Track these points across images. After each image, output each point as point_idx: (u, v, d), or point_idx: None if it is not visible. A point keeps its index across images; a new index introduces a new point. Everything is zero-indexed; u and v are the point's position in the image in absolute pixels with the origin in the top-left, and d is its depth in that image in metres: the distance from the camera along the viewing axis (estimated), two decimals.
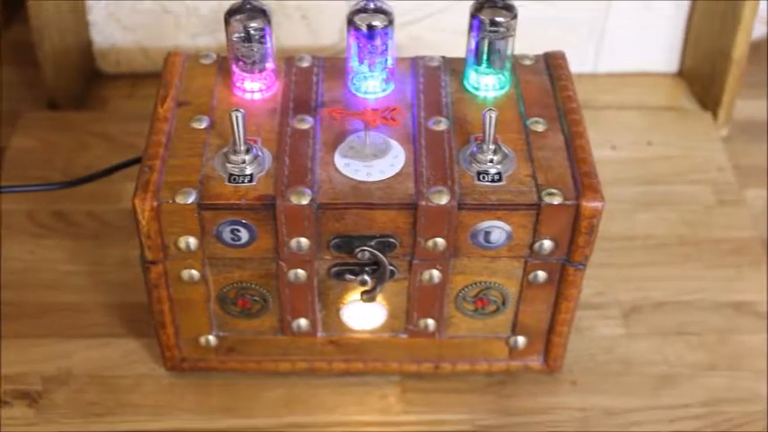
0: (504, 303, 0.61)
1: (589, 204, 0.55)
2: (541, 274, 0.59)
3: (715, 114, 0.87)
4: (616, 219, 0.76)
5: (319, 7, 0.86)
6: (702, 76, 0.89)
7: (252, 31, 0.60)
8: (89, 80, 0.91)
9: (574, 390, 0.66)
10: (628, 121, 0.87)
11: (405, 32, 0.86)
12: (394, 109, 0.58)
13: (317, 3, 0.86)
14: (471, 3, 0.60)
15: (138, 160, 0.68)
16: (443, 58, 0.65)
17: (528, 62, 0.65)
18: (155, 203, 0.55)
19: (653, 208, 0.78)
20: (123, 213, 0.76)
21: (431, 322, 0.62)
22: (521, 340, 0.63)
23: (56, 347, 0.68)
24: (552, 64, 0.64)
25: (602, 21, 0.89)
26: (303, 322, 0.62)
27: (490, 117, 0.55)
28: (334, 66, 0.64)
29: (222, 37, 0.87)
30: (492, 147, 0.56)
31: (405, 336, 0.63)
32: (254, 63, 0.61)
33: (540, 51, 0.66)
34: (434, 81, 0.63)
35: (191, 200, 0.55)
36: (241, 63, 0.61)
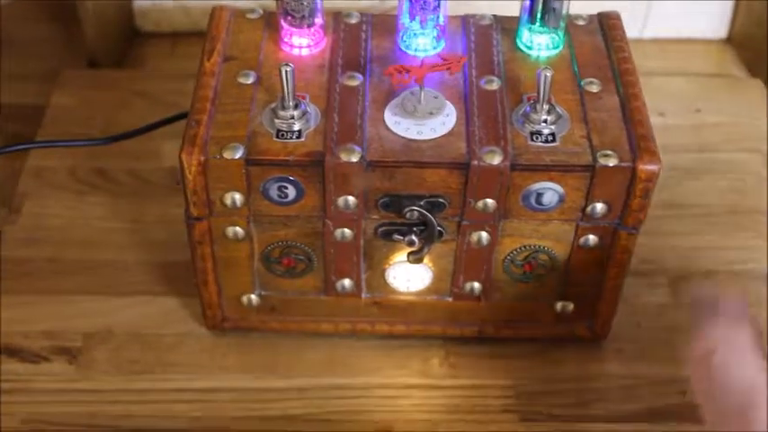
0: (552, 268, 0.60)
1: (645, 167, 0.53)
2: (592, 238, 0.57)
3: (766, 81, 0.85)
4: (665, 186, 0.74)
5: None
6: (753, 43, 0.87)
7: None
8: (129, 39, 0.90)
9: (619, 357, 0.64)
10: (675, 87, 0.85)
11: None
12: (458, 60, 0.57)
13: None
14: None
15: (180, 117, 0.67)
16: (495, 16, 0.63)
17: (581, 22, 0.63)
18: (202, 158, 0.54)
19: (702, 176, 0.77)
20: (164, 171, 0.76)
21: (477, 285, 0.61)
22: (568, 306, 0.62)
23: (96, 304, 0.67)
24: (607, 24, 0.63)
25: None
26: (347, 283, 0.61)
27: (545, 76, 0.54)
28: (382, 22, 0.63)
29: None
30: (546, 107, 0.55)
31: (450, 299, 0.62)
32: (302, 18, 0.60)
33: (590, 9, 0.64)
34: (486, 40, 0.62)
35: (238, 155, 0.54)
36: (289, 18, 0.60)
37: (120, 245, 0.71)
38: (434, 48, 0.60)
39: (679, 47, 0.90)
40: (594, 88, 0.58)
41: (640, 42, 0.90)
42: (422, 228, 0.57)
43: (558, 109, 0.56)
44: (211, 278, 0.60)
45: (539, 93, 0.54)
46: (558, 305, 0.62)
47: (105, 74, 0.86)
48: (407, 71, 0.56)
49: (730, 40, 0.90)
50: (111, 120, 0.81)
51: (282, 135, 0.55)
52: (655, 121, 0.79)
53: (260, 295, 0.62)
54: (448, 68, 0.56)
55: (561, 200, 0.55)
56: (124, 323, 0.66)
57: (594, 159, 0.54)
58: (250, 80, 0.58)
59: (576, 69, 0.59)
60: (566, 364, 0.64)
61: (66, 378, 0.63)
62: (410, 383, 0.63)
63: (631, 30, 0.89)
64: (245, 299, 0.62)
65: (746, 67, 0.88)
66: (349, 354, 0.64)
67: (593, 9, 0.65)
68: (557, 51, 0.61)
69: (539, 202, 0.55)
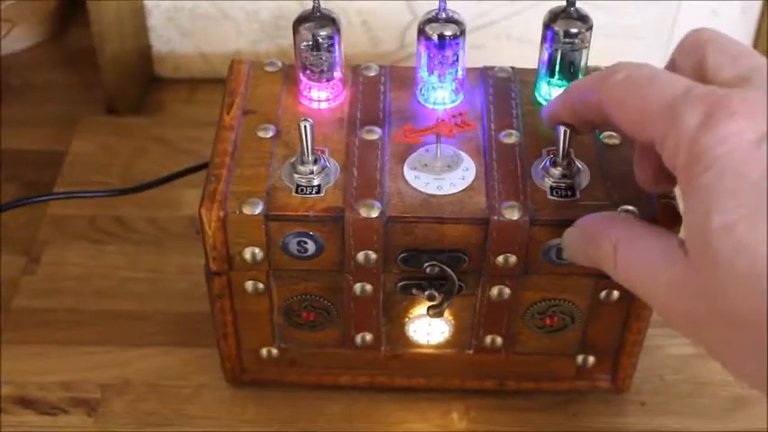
0: (573, 321, 0.59)
1: (667, 222, 0.53)
2: (615, 293, 0.57)
3: None
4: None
5: (380, 13, 0.85)
6: None
7: (321, 40, 0.59)
8: (147, 85, 0.91)
9: (642, 411, 0.64)
10: None
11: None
12: (461, 113, 0.57)
13: (378, 7, 0.85)
14: (543, 11, 0.59)
15: (200, 167, 0.68)
16: (513, 68, 0.63)
17: None
18: (221, 214, 0.54)
19: None
20: (183, 220, 0.76)
21: (498, 339, 0.60)
22: (589, 359, 0.62)
23: (114, 355, 0.67)
24: None
25: (668, 28, 0.87)
26: (367, 336, 0.61)
27: (564, 131, 0.54)
28: (401, 75, 0.63)
29: (283, 43, 0.87)
30: (565, 161, 0.55)
31: (470, 352, 0.62)
32: (321, 72, 0.60)
33: (605, 61, 0.64)
34: (504, 92, 0.62)
35: (258, 210, 0.54)
36: (308, 72, 0.60)
37: (138, 295, 0.71)
38: (453, 101, 0.60)
39: None
40: (614, 141, 0.58)
41: None
42: (442, 282, 0.57)
43: (577, 163, 0.56)
44: (231, 331, 0.60)
45: (558, 148, 0.54)
46: (580, 358, 0.62)
47: (124, 121, 0.87)
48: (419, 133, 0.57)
49: None
50: (130, 167, 0.81)
51: (302, 190, 0.55)
52: None
53: (279, 348, 0.62)
54: (460, 129, 0.57)
55: None
56: (142, 374, 0.66)
57: None
58: (269, 134, 0.58)
59: None
60: (587, 417, 0.64)
61: (84, 431, 0.63)
62: None
63: (654, 58, 0.89)
64: (264, 352, 0.62)
65: None
66: (368, 407, 0.64)
67: (609, 55, 0.64)
68: None
69: (559, 256, 0.55)
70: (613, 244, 0.47)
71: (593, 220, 0.51)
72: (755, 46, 0.88)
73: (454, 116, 0.57)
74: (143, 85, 0.90)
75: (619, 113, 0.47)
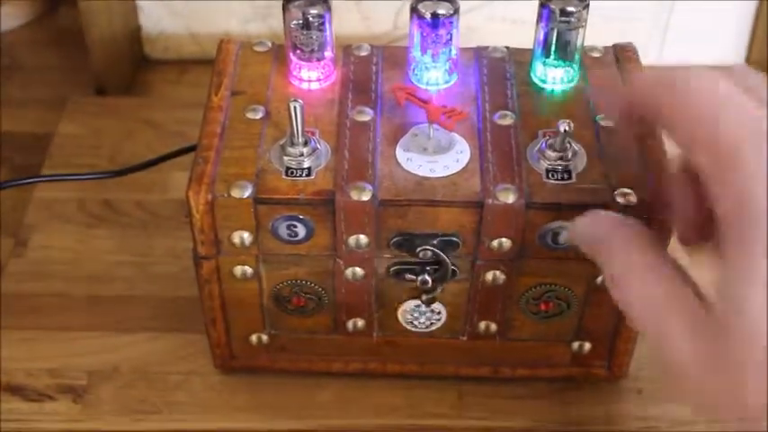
0: (568, 306, 0.58)
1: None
2: None
3: None
4: None
5: None
6: None
7: (311, 18, 0.57)
8: (137, 66, 0.89)
9: (639, 398, 0.63)
10: None
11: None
12: (460, 113, 0.56)
13: None
14: None
15: (190, 149, 0.66)
16: (508, 48, 0.62)
17: (596, 54, 0.62)
18: (209, 197, 0.52)
19: None
20: (172, 203, 0.74)
21: (492, 325, 0.59)
22: (585, 345, 0.61)
23: (102, 341, 0.66)
24: (622, 56, 0.62)
25: (667, 10, 0.86)
26: (359, 322, 0.59)
27: (565, 128, 0.52)
28: (393, 55, 0.62)
29: (274, 24, 0.86)
30: (561, 143, 0.54)
31: (464, 338, 0.61)
32: (312, 51, 0.58)
33: (601, 42, 0.63)
34: (499, 73, 0.60)
35: (246, 194, 0.52)
36: (299, 51, 0.58)
37: (127, 279, 0.70)
38: (446, 82, 0.59)
39: None
40: (610, 123, 0.57)
41: (657, 67, 0.88)
42: (435, 267, 0.55)
43: (574, 145, 0.54)
44: (220, 317, 0.59)
45: (558, 140, 0.53)
46: (575, 345, 0.61)
47: (113, 101, 0.85)
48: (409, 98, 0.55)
49: (749, 63, 0.89)
50: (119, 148, 0.80)
51: (292, 173, 0.53)
52: (670, 152, 0.78)
53: (270, 334, 0.61)
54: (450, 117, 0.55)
55: None
56: (130, 360, 0.65)
57: (613, 198, 0.52)
58: (259, 115, 0.57)
59: (591, 104, 0.58)
60: (583, 404, 0.62)
61: (70, 418, 0.62)
62: (424, 425, 0.62)
63: (648, 56, 0.88)
64: (254, 338, 0.61)
65: None
66: (360, 394, 0.63)
67: (607, 38, 0.63)
68: (572, 85, 0.59)
69: (555, 241, 0.54)
70: (611, 274, 0.44)
71: (603, 224, 0.47)
72: (754, 29, 0.87)
73: (445, 112, 0.55)
74: (132, 65, 0.89)
75: (681, 128, 0.41)
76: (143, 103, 0.85)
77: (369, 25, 0.86)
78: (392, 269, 0.56)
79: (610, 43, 0.63)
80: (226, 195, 0.52)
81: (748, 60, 0.89)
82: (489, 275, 0.56)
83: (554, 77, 0.59)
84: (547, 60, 0.59)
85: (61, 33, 0.94)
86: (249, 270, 0.56)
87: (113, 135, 0.81)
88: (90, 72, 0.85)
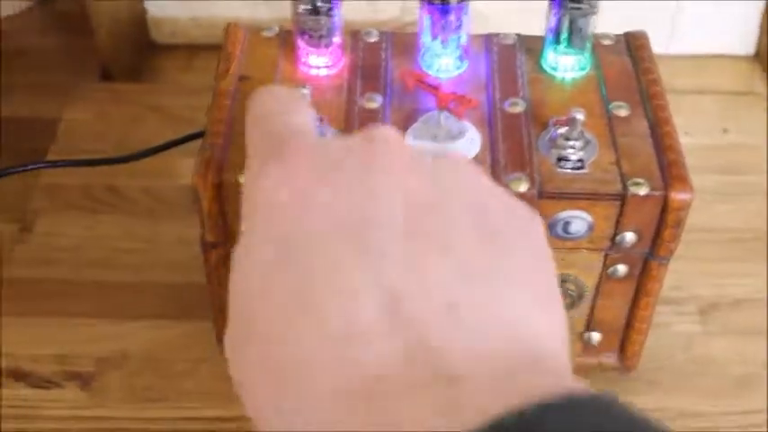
0: (580, 297, 0.58)
1: (677, 196, 0.52)
2: (621, 268, 0.55)
3: None
4: (693, 209, 0.72)
5: None
6: None
7: (320, 3, 0.57)
8: (143, 51, 0.89)
9: (650, 389, 0.62)
10: (701, 105, 0.83)
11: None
12: (470, 101, 0.55)
13: None
14: None
15: (196, 135, 0.66)
16: (518, 35, 0.61)
17: (608, 42, 0.61)
18: (217, 183, 0.52)
19: (731, 199, 0.74)
20: (179, 190, 0.74)
21: None
22: (595, 336, 0.60)
23: (109, 328, 0.66)
24: (634, 44, 0.61)
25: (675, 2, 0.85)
26: None
27: (577, 119, 0.52)
28: (402, 41, 0.61)
29: (280, 8, 0.85)
30: (573, 132, 0.53)
31: None
32: (320, 37, 0.58)
33: (609, 30, 0.62)
34: (509, 60, 0.60)
35: None
36: (307, 37, 0.58)
37: (134, 266, 0.70)
38: (457, 68, 0.58)
39: (705, 63, 0.88)
40: (623, 112, 0.56)
41: (665, 58, 0.87)
42: None
43: (586, 135, 0.54)
44: (227, 304, 0.59)
45: (570, 129, 0.53)
46: (586, 335, 0.60)
47: (119, 87, 0.85)
48: (419, 84, 0.55)
49: (758, 56, 0.88)
50: (125, 135, 0.79)
51: None
52: (681, 141, 0.78)
53: None
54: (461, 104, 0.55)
55: (590, 228, 0.53)
56: (138, 348, 0.65)
57: (625, 188, 0.52)
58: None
59: (603, 92, 0.57)
60: None
61: (77, 405, 0.62)
62: None
63: (656, 45, 0.87)
64: None
65: None
66: None
67: (617, 26, 0.63)
68: (583, 73, 0.59)
69: (566, 230, 0.53)
70: None
71: None
72: (764, 19, 0.86)
73: (454, 99, 0.55)
74: (139, 50, 0.88)
75: None
76: (150, 89, 0.85)
77: (375, 11, 0.85)
78: None
79: (620, 30, 0.62)
80: (234, 181, 0.52)
81: (758, 52, 0.88)
82: None
83: (565, 65, 0.59)
84: (558, 48, 0.58)
85: (63, 18, 0.93)
86: None
87: (120, 121, 0.81)
88: (96, 57, 0.85)
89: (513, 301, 0.29)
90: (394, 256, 0.29)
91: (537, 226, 0.33)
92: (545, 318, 0.30)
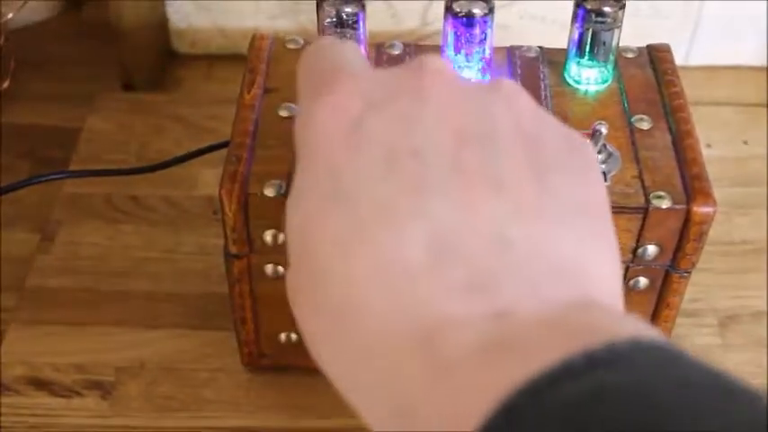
0: None
1: (700, 209, 0.52)
2: (642, 281, 0.56)
3: None
4: (713, 221, 0.72)
5: None
6: None
7: (345, 16, 0.57)
8: (165, 61, 0.89)
9: None
10: (722, 117, 0.83)
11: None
12: None
13: None
14: None
15: (219, 146, 0.66)
16: (541, 48, 0.62)
17: (630, 54, 0.61)
18: (242, 195, 0.52)
19: (751, 211, 0.74)
20: (200, 200, 0.74)
21: None
22: None
23: (130, 337, 0.66)
24: (656, 57, 0.61)
25: (696, 10, 0.85)
26: None
27: (600, 132, 0.52)
28: (425, 54, 0.61)
29: (302, 19, 0.85)
30: (596, 145, 0.53)
31: None
32: None
33: (629, 42, 0.62)
34: (532, 73, 0.60)
35: (280, 192, 0.52)
36: None
37: (154, 275, 0.70)
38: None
39: (725, 74, 0.88)
40: (645, 125, 0.56)
41: (685, 70, 0.87)
42: None
43: (608, 148, 0.54)
44: (249, 315, 0.59)
45: (592, 142, 0.53)
46: None
47: (141, 97, 0.85)
48: None
49: None
50: (147, 144, 0.80)
51: None
52: (706, 154, 0.77)
53: (299, 333, 0.61)
54: None
55: None
56: (158, 357, 0.65)
57: (647, 201, 0.52)
58: (291, 113, 0.57)
59: (625, 105, 0.58)
60: None
61: (98, 414, 0.62)
62: None
63: (676, 57, 0.88)
64: (283, 336, 0.61)
65: None
66: None
67: (636, 38, 0.63)
68: (606, 86, 0.59)
69: None
70: None
71: None
72: None
73: None
74: (160, 60, 0.89)
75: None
76: (171, 99, 0.85)
77: (397, 21, 0.85)
78: None
79: (639, 42, 0.62)
80: (259, 194, 0.52)
81: None
82: None
83: (588, 78, 0.59)
84: (581, 61, 0.58)
85: (86, 28, 0.93)
86: (281, 269, 0.56)
87: (141, 131, 0.81)
88: (117, 67, 0.85)
89: (565, 238, 0.29)
90: (441, 192, 0.29)
91: (590, 155, 0.33)
92: (598, 257, 0.30)
